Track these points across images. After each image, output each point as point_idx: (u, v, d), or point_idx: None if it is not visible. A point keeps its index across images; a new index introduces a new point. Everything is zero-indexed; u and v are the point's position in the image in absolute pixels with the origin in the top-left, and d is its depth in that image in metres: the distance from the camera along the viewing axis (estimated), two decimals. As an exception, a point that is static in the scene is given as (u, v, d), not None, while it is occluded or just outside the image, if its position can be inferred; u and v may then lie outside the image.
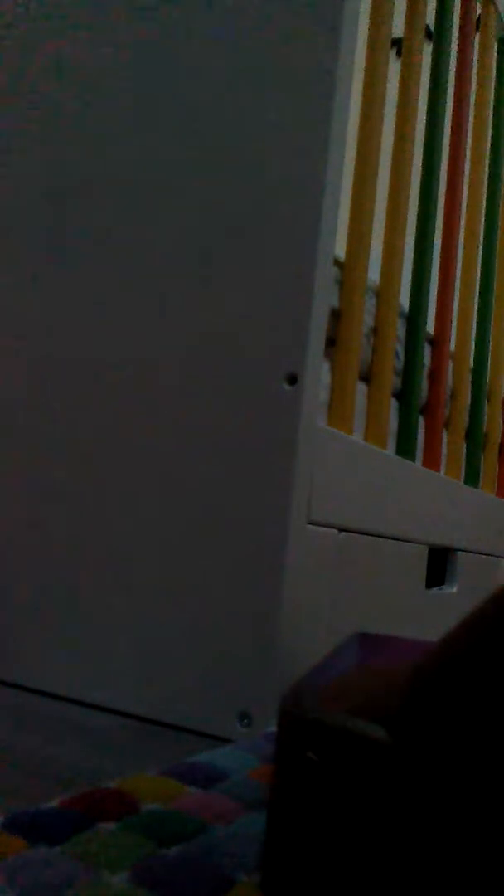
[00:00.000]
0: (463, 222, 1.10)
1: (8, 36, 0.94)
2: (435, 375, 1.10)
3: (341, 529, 0.80)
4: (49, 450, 0.85)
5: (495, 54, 1.23)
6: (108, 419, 0.83)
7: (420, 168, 0.99)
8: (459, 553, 1.17)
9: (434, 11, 1.07)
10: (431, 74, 1.04)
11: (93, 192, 0.87)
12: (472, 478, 1.26)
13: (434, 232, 1.02)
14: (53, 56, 0.91)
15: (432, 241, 1.01)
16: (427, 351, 1.10)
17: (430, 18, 1.06)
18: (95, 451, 0.83)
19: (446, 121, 1.04)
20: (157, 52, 0.85)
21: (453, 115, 1.07)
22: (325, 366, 0.84)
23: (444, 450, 1.19)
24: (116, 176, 0.86)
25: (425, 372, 1.10)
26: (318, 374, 0.75)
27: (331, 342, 0.85)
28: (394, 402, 1.03)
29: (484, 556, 1.29)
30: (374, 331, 0.94)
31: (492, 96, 1.23)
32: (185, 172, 0.82)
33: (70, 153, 0.88)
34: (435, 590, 1.06)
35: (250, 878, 0.43)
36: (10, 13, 0.93)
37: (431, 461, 1.09)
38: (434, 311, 1.08)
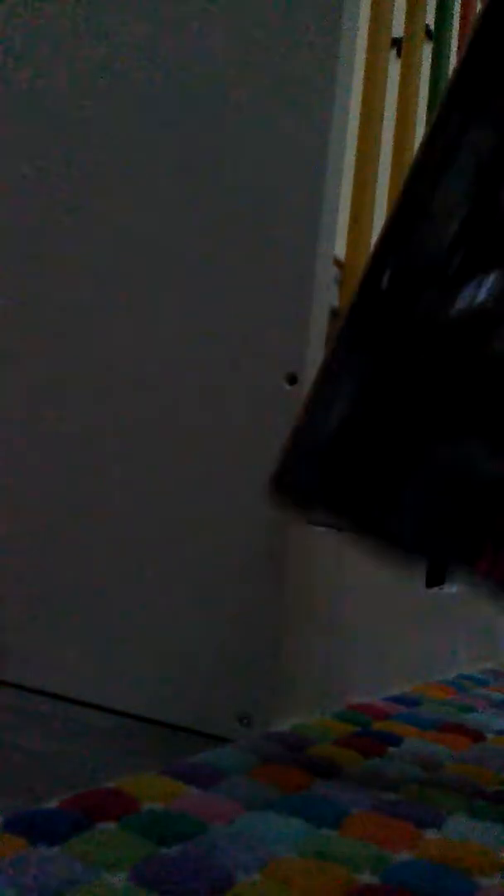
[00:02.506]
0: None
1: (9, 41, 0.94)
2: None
3: (341, 529, 0.80)
4: (50, 450, 0.85)
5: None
6: (108, 419, 0.83)
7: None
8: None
9: (434, 11, 1.07)
10: (431, 74, 1.04)
11: (91, 191, 0.87)
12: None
13: (434, 232, 1.02)
14: (52, 62, 0.91)
15: (432, 241, 1.01)
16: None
17: (430, 18, 1.06)
18: (94, 451, 0.83)
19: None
20: (158, 53, 0.85)
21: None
22: (325, 366, 0.84)
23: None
24: (116, 174, 0.86)
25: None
26: (318, 374, 0.75)
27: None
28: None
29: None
30: (374, 331, 0.94)
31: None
32: (184, 173, 0.82)
33: (69, 152, 0.88)
34: (435, 590, 1.06)
35: (249, 877, 0.43)
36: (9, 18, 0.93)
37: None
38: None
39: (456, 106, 0.53)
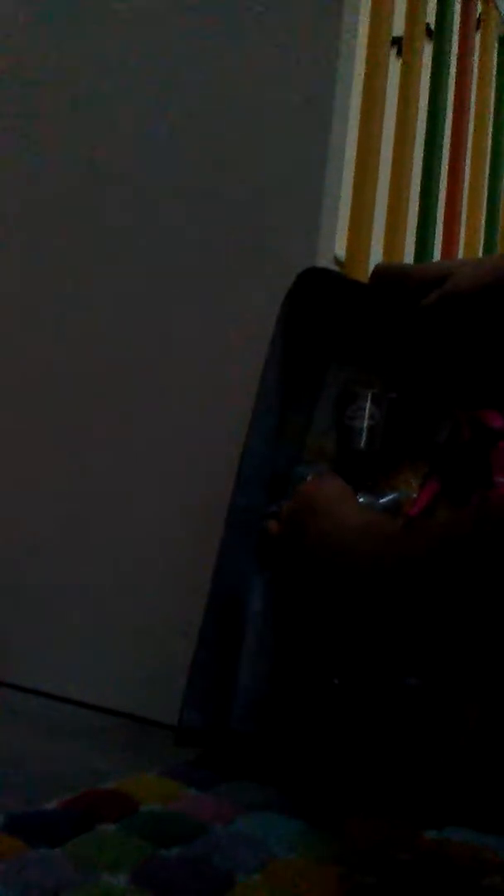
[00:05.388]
0: (464, 221, 1.09)
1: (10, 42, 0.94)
2: (435, 375, 1.09)
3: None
4: (54, 463, 0.84)
5: (496, 53, 1.22)
6: (107, 429, 0.82)
7: (420, 168, 0.99)
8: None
9: (434, 10, 1.06)
10: (432, 73, 1.03)
11: (95, 192, 0.87)
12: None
13: (435, 231, 1.01)
14: (57, 53, 0.91)
15: (433, 240, 1.01)
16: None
17: (431, 17, 1.05)
18: (97, 463, 0.82)
19: (447, 120, 1.04)
20: (160, 50, 0.85)
21: (454, 115, 1.06)
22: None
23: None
24: (120, 180, 0.86)
25: (426, 372, 1.09)
26: (318, 375, 0.75)
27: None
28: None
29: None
30: (375, 331, 0.94)
31: (492, 95, 1.22)
32: (185, 173, 0.82)
33: (73, 155, 0.88)
34: None
35: (249, 878, 0.43)
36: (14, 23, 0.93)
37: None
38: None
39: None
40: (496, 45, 1.22)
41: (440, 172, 1.01)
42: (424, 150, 1.00)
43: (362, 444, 0.65)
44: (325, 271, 0.69)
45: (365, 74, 0.89)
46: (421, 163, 0.99)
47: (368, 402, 0.66)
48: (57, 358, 0.86)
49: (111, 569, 0.80)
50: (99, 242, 0.86)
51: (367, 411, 0.66)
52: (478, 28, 1.15)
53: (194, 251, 0.80)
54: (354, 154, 0.86)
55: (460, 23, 1.09)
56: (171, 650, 0.75)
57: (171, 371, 0.80)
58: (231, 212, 0.79)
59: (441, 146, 1.02)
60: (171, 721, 0.68)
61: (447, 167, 1.04)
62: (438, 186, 1.01)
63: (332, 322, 0.68)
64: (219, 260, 0.79)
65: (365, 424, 0.66)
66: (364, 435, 0.66)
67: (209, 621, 0.62)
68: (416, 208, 0.99)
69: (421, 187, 1.00)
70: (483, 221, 1.20)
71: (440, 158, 1.02)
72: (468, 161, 1.11)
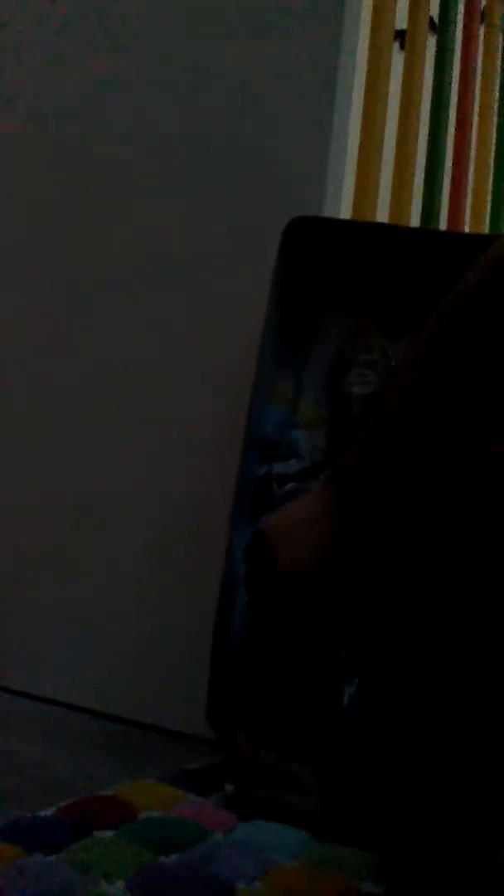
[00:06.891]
0: (468, 219, 1.09)
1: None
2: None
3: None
4: (51, 462, 0.84)
5: (500, 47, 1.21)
6: (104, 434, 0.82)
7: (424, 165, 0.98)
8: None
9: (438, 3, 1.05)
10: (435, 67, 1.03)
11: (91, 182, 0.86)
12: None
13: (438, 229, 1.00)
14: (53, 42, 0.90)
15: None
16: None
17: (434, 10, 1.05)
18: (95, 461, 0.82)
19: (450, 115, 1.04)
20: (159, 37, 0.84)
21: (457, 110, 1.05)
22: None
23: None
24: (119, 175, 0.85)
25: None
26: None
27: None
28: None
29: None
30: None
31: (497, 89, 1.21)
32: (186, 170, 0.81)
33: (70, 135, 0.88)
34: None
35: (250, 886, 0.43)
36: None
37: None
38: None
39: None
40: (501, 37, 1.21)
41: (444, 169, 1.00)
42: (428, 146, 0.99)
43: (360, 411, 0.64)
44: (314, 218, 0.67)
45: (367, 69, 0.88)
46: (424, 159, 0.99)
47: (367, 368, 0.64)
48: (53, 351, 0.86)
49: (109, 570, 0.79)
50: (97, 239, 0.85)
51: (365, 378, 0.64)
52: (482, 21, 1.14)
53: (192, 252, 0.80)
54: (357, 151, 0.86)
55: (464, 15, 1.08)
56: (171, 653, 0.74)
57: (166, 373, 0.80)
58: (231, 211, 0.78)
59: (444, 141, 1.02)
60: (171, 726, 0.68)
61: (451, 164, 1.04)
62: (442, 183, 1.00)
63: (325, 269, 0.65)
64: (217, 261, 0.78)
65: (363, 391, 0.64)
66: (362, 402, 0.64)
67: (220, 606, 0.60)
68: (420, 206, 0.98)
69: (424, 184, 0.99)
70: (488, 218, 1.19)
71: (444, 154, 1.02)
72: (472, 157, 1.10)
